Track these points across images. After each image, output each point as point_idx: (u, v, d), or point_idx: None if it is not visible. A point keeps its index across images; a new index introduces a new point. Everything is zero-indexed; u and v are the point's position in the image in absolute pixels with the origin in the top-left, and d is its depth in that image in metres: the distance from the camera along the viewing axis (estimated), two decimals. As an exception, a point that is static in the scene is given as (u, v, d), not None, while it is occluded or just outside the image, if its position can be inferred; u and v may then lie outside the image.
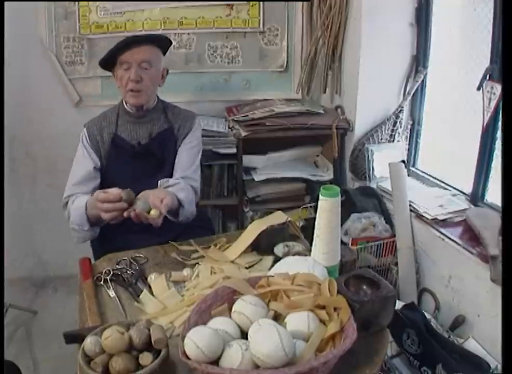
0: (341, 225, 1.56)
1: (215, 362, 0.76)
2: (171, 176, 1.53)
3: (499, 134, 1.57)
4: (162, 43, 1.55)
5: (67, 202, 1.45)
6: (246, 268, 1.18)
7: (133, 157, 1.53)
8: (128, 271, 1.16)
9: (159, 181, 1.47)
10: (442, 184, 1.90)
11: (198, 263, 1.21)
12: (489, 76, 1.51)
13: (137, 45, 1.45)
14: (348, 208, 1.89)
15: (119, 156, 1.53)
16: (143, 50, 1.46)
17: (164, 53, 1.56)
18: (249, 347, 0.75)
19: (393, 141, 2.06)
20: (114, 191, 1.21)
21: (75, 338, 0.89)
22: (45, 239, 2.40)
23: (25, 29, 2.09)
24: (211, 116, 2.25)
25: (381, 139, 2.04)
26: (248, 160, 2.13)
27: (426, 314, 1.50)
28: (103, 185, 1.50)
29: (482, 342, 1.42)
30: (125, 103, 1.54)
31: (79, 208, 1.35)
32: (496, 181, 1.63)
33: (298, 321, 0.83)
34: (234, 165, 2.10)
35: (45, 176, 2.34)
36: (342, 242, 1.37)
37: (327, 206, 1.01)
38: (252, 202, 2.16)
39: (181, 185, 1.44)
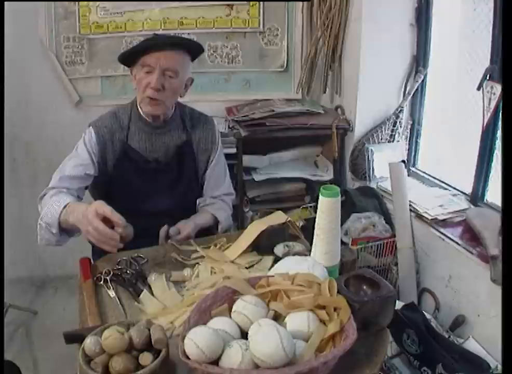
0: (341, 225, 1.56)
1: (215, 362, 0.76)
2: (187, 189, 1.48)
3: (499, 134, 1.57)
4: (194, 49, 1.39)
5: (46, 193, 1.30)
6: (246, 268, 1.18)
7: (147, 171, 1.42)
8: (128, 271, 1.16)
9: (197, 200, 1.50)
10: (442, 184, 1.90)
11: (198, 263, 1.20)
12: (489, 76, 1.51)
13: (166, 48, 1.28)
14: (348, 208, 1.89)
15: (130, 167, 1.40)
16: (171, 55, 1.29)
17: (192, 61, 1.41)
18: (249, 347, 0.75)
19: (393, 141, 2.06)
20: (120, 219, 1.06)
21: (75, 338, 0.89)
22: (45, 239, 2.40)
23: (25, 29, 2.09)
24: (211, 116, 2.25)
25: (381, 139, 2.04)
26: (248, 160, 2.13)
27: (426, 313, 1.50)
28: (109, 195, 1.40)
29: (482, 342, 1.42)
30: (141, 108, 1.40)
31: (55, 207, 1.18)
32: (496, 181, 1.63)
33: (298, 321, 0.83)
34: (234, 165, 2.10)
35: (46, 176, 2.31)
36: (342, 242, 1.37)
37: (327, 206, 1.01)
38: (252, 202, 2.16)
39: (217, 205, 1.50)
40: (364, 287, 0.95)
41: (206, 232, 1.46)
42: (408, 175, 2.00)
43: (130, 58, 1.35)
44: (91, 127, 1.40)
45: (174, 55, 1.30)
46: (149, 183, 1.42)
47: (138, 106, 1.40)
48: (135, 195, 1.42)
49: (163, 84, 1.30)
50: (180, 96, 1.42)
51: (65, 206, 1.17)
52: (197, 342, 0.74)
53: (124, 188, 1.41)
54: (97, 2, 2.11)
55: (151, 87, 1.30)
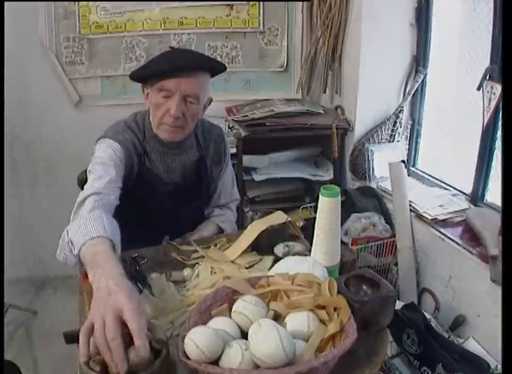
0: (341, 225, 1.56)
1: (215, 362, 0.76)
2: (200, 203, 1.45)
3: (499, 134, 1.57)
4: (218, 70, 1.28)
5: (87, 198, 1.08)
6: (246, 268, 1.18)
7: (166, 193, 1.35)
8: (128, 271, 1.16)
9: (205, 211, 1.49)
10: (442, 184, 1.90)
11: (198, 263, 1.20)
12: (489, 76, 1.51)
13: (189, 73, 1.16)
14: (348, 208, 1.89)
15: (147, 187, 1.32)
16: (194, 81, 1.17)
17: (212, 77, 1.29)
18: (249, 347, 0.75)
19: (393, 141, 2.06)
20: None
21: (75, 338, 0.89)
22: (45, 239, 2.39)
23: (25, 29, 2.09)
24: (210, 116, 2.25)
25: (381, 139, 2.04)
26: (248, 160, 2.13)
27: (426, 314, 1.50)
28: (120, 209, 1.22)
29: (482, 342, 1.42)
30: (157, 133, 1.29)
31: (86, 229, 0.96)
32: (496, 181, 1.63)
33: (298, 321, 0.83)
34: (235, 165, 2.09)
35: (45, 176, 2.34)
36: (342, 242, 1.37)
37: (327, 206, 1.01)
38: (252, 202, 2.16)
39: (224, 217, 1.49)
40: (364, 287, 0.95)
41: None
42: (408, 175, 2.00)
43: (144, 79, 1.24)
44: (110, 140, 1.25)
45: (196, 80, 1.18)
46: (165, 203, 1.36)
47: (154, 129, 1.29)
48: (148, 211, 1.36)
49: (183, 111, 1.20)
50: (198, 119, 1.33)
51: (93, 238, 0.94)
52: (197, 342, 0.74)
53: (137, 205, 1.31)
54: (97, 2, 2.11)
55: (170, 114, 1.19)
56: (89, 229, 0.96)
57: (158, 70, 1.18)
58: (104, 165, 1.19)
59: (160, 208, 1.36)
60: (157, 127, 1.26)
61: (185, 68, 1.16)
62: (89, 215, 1.01)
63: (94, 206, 1.06)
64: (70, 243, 0.97)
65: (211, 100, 1.32)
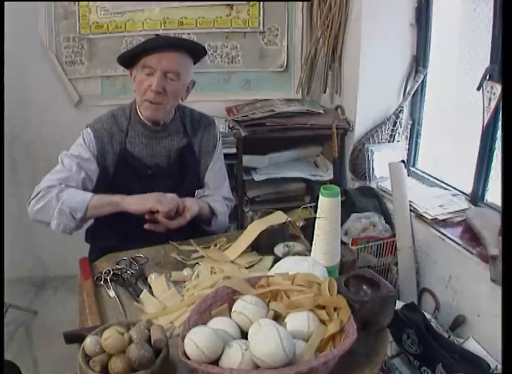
0: (341, 225, 1.56)
1: (215, 362, 0.76)
2: (189, 193, 1.42)
3: (499, 134, 1.57)
4: (197, 52, 1.36)
5: (40, 192, 1.26)
6: (246, 268, 1.18)
7: (148, 177, 1.38)
8: (128, 271, 1.16)
9: (196, 191, 1.45)
10: (442, 184, 1.90)
11: (198, 263, 1.21)
12: (489, 76, 1.51)
13: (167, 50, 1.25)
14: (348, 208, 1.89)
15: (130, 172, 1.37)
16: (173, 57, 1.26)
17: (194, 63, 1.38)
18: (249, 347, 0.75)
19: (393, 141, 2.06)
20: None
21: (75, 338, 0.89)
22: (45, 239, 2.40)
23: (25, 29, 2.09)
24: (211, 116, 2.25)
25: (381, 139, 2.04)
26: (248, 160, 2.13)
27: (426, 314, 1.50)
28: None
29: (482, 342, 1.42)
30: (140, 112, 1.36)
31: (82, 194, 1.24)
32: (496, 181, 1.63)
33: (298, 321, 0.83)
34: (234, 165, 2.10)
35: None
36: (342, 242, 1.37)
37: (327, 206, 1.01)
38: (252, 202, 2.16)
39: (215, 197, 1.46)
40: (364, 287, 0.95)
41: (206, 232, 1.46)
42: (408, 175, 2.00)
43: (130, 59, 1.31)
44: (88, 129, 1.36)
45: (176, 57, 1.27)
46: (150, 188, 1.34)
47: (138, 110, 1.36)
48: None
49: (164, 87, 1.26)
50: (182, 100, 1.38)
51: (91, 198, 1.24)
52: (197, 342, 0.74)
53: (124, 193, 1.32)
54: (97, 2, 2.11)
55: (152, 89, 1.26)
56: (82, 195, 1.24)
57: (140, 47, 1.28)
58: (67, 157, 1.33)
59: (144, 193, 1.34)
60: (140, 104, 1.32)
61: (165, 45, 1.26)
62: (68, 190, 1.25)
63: (63, 189, 1.25)
64: (72, 211, 1.21)
65: (193, 83, 1.40)
